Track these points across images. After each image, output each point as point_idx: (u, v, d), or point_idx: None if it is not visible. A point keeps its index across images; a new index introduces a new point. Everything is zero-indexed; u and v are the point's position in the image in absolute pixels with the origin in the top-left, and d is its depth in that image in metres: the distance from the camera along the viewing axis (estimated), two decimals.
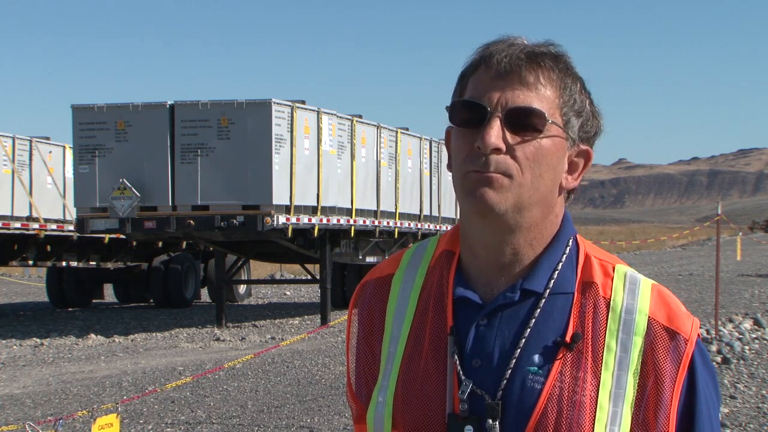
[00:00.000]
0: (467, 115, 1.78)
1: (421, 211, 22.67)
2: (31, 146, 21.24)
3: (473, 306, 1.83)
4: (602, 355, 1.77)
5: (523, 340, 1.78)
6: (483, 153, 1.75)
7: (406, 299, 1.90)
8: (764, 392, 11.16)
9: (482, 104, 1.77)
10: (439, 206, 23.46)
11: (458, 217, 24.25)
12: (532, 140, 1.77)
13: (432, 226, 23.13)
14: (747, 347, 14.40)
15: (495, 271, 1.83)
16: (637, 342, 1.78)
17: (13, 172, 20.64)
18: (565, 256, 1.84)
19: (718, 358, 13.11)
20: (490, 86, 1.78)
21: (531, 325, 1.79)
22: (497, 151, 1.75)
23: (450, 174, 1.86)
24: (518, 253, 1.82)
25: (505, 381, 1.77)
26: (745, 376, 12.19)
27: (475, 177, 1.76)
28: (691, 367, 1.79)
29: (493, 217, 1.77)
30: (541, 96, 1.78)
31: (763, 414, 10.06)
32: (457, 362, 1.79)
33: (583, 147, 1.84)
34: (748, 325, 16.76)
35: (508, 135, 1.76)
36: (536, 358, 1.77)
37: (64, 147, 22.04)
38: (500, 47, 1.79)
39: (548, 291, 1.81)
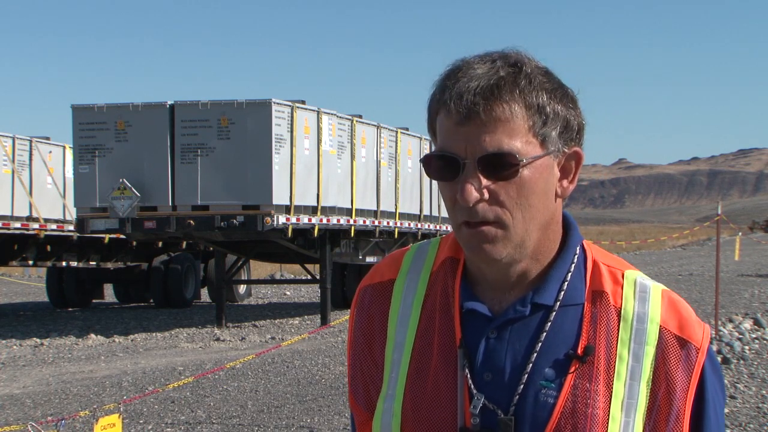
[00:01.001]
0: (440, 166, 1.75)
1: (421, 211, 22.67)
2: (31, 146, 21.23)
3: (481, 318, 1.81)
4: (614, 366, 1.76)
5: (535, 354, 1.77)
6: (466, 206, 1.72)
7: (408, 307, 1.88)
8: (764, 392, 11.16)
9: (453, 156, 1.73)
10: (439, 206, 23.44)
11: None
12: (512, 179, 1.72)
13: (432, 226, 23.14)
14: (747, 347, 14.40)
15: (503, 285, 1.82)
16: (649, 351, 1.77)
17: (13, 172, 20.64)
18: (573, 265, 1.82)
19: (718, 358, 13.11)
20: (454, 134, 1.73)
21: (542, 338, 1.78)
22: (479, 201, 1.72)
23: None
24: (526, 269, 1.81)
25: (517, 396, 1.76)
26: (745, 376, 12.19)
27: (468, 232, 1.74)
28: (702, 376, 1.79)
29: (496, 263, 1.77)
30: (508, 130, 1.72)
31: (763, 414, 10.06)
32: (468, 376, 1.78)
33: (570, 150, 1.79)
34: (748, 325, 16.76)
35: (486, 182, 1.72)
36: (548, 371, 1.76)
37: (64, 147, 22.04)
38: (456, 89, 1.73)
39: (558, 303, 1.80)
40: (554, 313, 1.79)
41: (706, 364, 1.79)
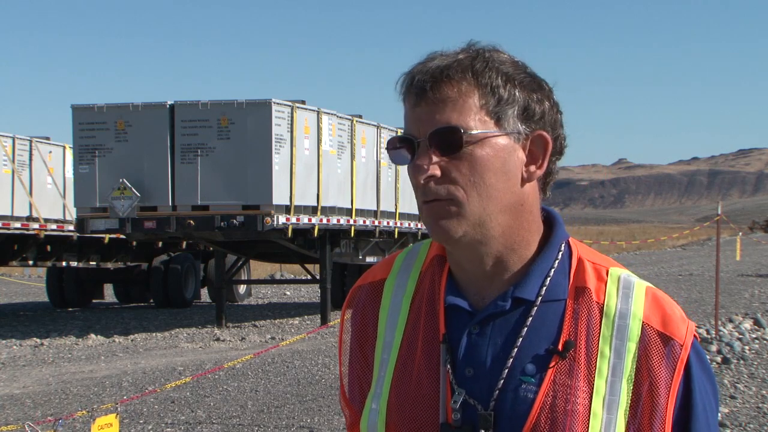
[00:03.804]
0: (401, 150, 1.79)
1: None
2: (31, 146, 21.23)
3: (465, 313, 1.81)
4: (596, 362, 1.75)
5: (516, 349, 1.77)
6: (421, 184, 1.75)
7: (398, 305, 1.88)
8: (764, 392, 11.16)
9: (409, 137, 1.77)
10: None
11: None
12: (463, 157, 1.74)
13: None
14: (747, 347, 14.40)
15: (485, 279, 1.81)
16: (631, 348, 1.76)
17: (13, 172, 20.63)
18: (557, 261, 1.82)
19: (718, 358, 13.11)
20: (411, 116, 1.78)
21: (523, 333, 1.77)
22: (431, 178, 1.74)
23: None
24: (502, 260, 1.80)
25: (497, 390, 1.75)
26: (745, 376, 12.18)
27: (426, 210, 1.76)
28: (687, 373, 1.77)
29: (455, 242, 1.77)
30: (458, 107, 1.74)
31: (763, 414, 10.06)
32: (450, 371, 1.78)
33: (536, 133, 1.79)
34: (748, 325, 16.76)
35: (438, 159, 1.74)
36: (529, 366, 1.76)
37: (64, 147, 22.03)
38: (410, 74, 1.79)
39: (540, 298, 1.79)
40: (536, 308, 1.79)
41: (692, 361, 1.77)
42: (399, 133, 1.86)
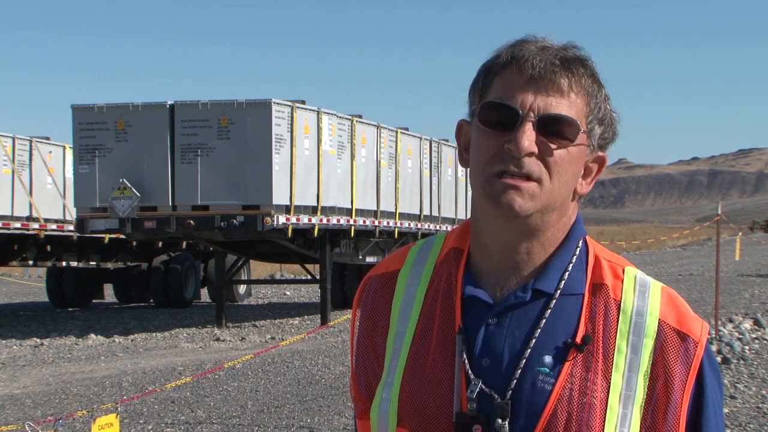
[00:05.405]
0: (497, 116, 1.78)
1: (421, 211, 22.66)
2: (31, 146, 21.23)
3: (482, 305, 1.82)
4: (613, 357, 1.78)
5: (534, 341, 1.78)
6: (515, 155, 1.75)
7: (412, 296, 1.89)
8: (764, 392, 11.17)
9: (515, 108, 1.76)
10: (439, 206, 23.45)
11: (458, 217, 24.29)
12: (566, 146, 1.77)
13: (432, 226, 23.13)
14: (747, 347, 14.40)
15: (506, 270, 1.83)
16: (648, 344, 1.78)
17: (13, 172, 20.63)
18: (575, 257, 1.84)
19: (718, 358, 13.12)
20: (522, 89, 1.77)
21: (541, 325, 1.79)
22: (530, 154, 1.75)
23: (460, 169, 1.85)
24: (531, 253, 1.82)
25: (515, 381, 1.76)
26: (745, 376, 12.19)
27: (502, 183, 1.76)
28: (701, 371, 1.80)
29: (519, 220, 1.78)
30: (572, 104, 1.78)
31: (763, 414, 10.07)
32: (466, 361, 1.79)
33: (600, 153, 1.85)
34: (748, 325, 16.77)
35: (541, 141, 1.76)
36: (547, 358, 1.77)
37: (64, 147, 22.03)
38: (532, 50, 1.79)
39: (559, 292, 1.81)
40: (554, 301, 1.81)
41: (705, 360, 1.81)
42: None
